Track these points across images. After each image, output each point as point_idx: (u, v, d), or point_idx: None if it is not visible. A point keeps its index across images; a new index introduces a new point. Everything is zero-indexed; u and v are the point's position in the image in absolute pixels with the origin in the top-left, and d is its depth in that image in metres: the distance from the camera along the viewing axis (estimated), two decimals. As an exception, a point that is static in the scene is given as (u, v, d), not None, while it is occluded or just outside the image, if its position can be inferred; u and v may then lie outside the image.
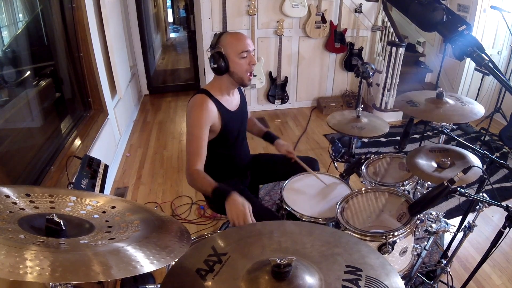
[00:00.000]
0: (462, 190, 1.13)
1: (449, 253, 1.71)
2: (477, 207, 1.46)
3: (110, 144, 3.06)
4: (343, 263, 0.80)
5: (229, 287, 0.77)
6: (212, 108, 1.58)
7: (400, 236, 1.24)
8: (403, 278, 1.47)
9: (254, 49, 1.61)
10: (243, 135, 1.82)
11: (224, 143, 1.71)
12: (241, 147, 1.83)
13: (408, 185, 1.70)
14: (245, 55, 1.55)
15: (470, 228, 1.56)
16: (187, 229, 0.92)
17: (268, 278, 0.74)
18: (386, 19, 4.01)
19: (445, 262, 1.68)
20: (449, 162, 1.49)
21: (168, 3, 9.76)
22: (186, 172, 1.53)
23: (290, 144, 1.94)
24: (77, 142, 2.41)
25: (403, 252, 1.30)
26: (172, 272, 0.84)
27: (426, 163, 1.52)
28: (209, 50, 1.59)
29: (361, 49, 4.35)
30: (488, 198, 1.23)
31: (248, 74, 1.59)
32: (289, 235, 0.93)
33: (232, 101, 1.70)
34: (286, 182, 1.67)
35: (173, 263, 0.82)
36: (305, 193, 1.61)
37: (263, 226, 0.99)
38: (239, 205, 1.30)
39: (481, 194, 1.27)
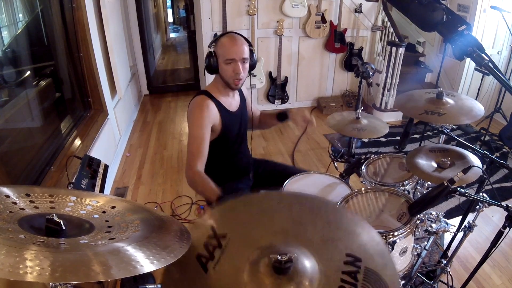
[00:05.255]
0: (462, 190, 1.14)
1: (449, 253, 1.71)
2: (477, 207, 1.46)
3: (110, 144, 3.06)
4: (344, 250, 0.79)
5: (230, 280, 0.76)
6: (213, 108, 1.58)
7: (400, 236, 1.24)
8: (403, 278, 1.47)
9: (245, 58, 1.54)
10: (242, 136, 1.81)
11: (225, 144, 1.70)
12: (240, 148, 1.83)
13: (408, 185, 1.69)
14: (230, 62, 1.53)
15: (470, 228, 1.56)
16: (187, 229, 0.92)
17: (269, 269, 0.74)
18: (386, 19, 4.01)
19: (445, 262, 1.68)
20: (449, 162, 1.49)
21: (168, 3, 9.76)
22: (186, 173, 1.51)
23: (307, 113, 1.79)
24: (77, 142, 2.41)
25: (403, 252, 1.30)
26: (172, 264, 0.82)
27: (426, 163, 1.52)
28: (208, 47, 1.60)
29: (361, 49, 4.35)
30: (488, 198, 1.23)
31: (234, 80, 1.56)
32: (289, 212, 0.90)
33: (232, 102, 1.70)
34: (286, 182, 1.67)
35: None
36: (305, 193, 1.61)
37: (262, 202, 0.97)
38: None
39: (481, 194, 1.28)
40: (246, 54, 1.55)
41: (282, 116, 1.85)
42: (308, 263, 0.76)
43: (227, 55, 1.52)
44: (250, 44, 1.59)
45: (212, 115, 1.58)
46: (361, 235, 0.84)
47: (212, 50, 1.57)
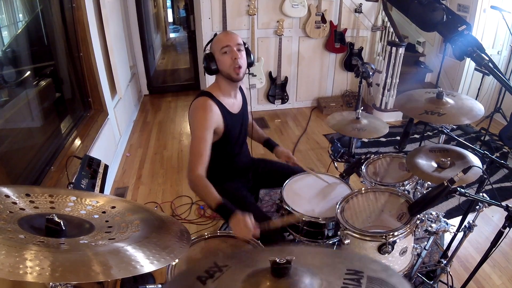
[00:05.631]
0: (462, 190, 1.14)
1: (449, 253, 1.71)
2: (477, 207, 1.46)
3: (110, 144, 3.06)
4: (345, 268, 0.80)
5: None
6: (216, 110, 1.58)
7: (400, 236, 1.24)
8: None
9: (240, 44, 1.56)
10: (243, 137, 1.82)
11: (226, 145, 1.70)
12: (241, 149, 1.83)
13: (408, 185, 1.70)
14: (226, 51, 1.53)
15: (470, 228, 1.56)
16: (187, 229, 0.92)
17: (269, 277, 0.74)
18: (386, 19, 4.01)
19: (445, 262, 1.68)
20: (449, 162, 1.49)
21: (168, 3, 9.76)
22: (188, 175, 1.50)
23: (289, 150, 1.97)
24: (77, 142, 2.41)
25: (403, 252, 1.30)
26: (172, 281, 0.83)
27: (426, 163, 1.52)
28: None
29: (361, 49, 4.35)
30: (488, 198, 1.23)
31: (234, 68, 1.55)
32: (290, 251, 0.93)
33: (234, 104, 1.69)
34: (286, 182, 1.67)
35: (174, 263, 0.82)
36: (305, 193, 1.61)
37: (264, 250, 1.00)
38: (243, 224, 1.30)
39: (481, 194, 1.28)
40: (240, 41, 1.57)
41: (268, 146, 1.96)
42: (308, 272, 0.76)
43: (221, 44, 1.53)
44: (244, 43, 1.62)
45: (216, 117, 1.57)
46: (363, 259, 0.84)
47: (208, 51, 1.58)
